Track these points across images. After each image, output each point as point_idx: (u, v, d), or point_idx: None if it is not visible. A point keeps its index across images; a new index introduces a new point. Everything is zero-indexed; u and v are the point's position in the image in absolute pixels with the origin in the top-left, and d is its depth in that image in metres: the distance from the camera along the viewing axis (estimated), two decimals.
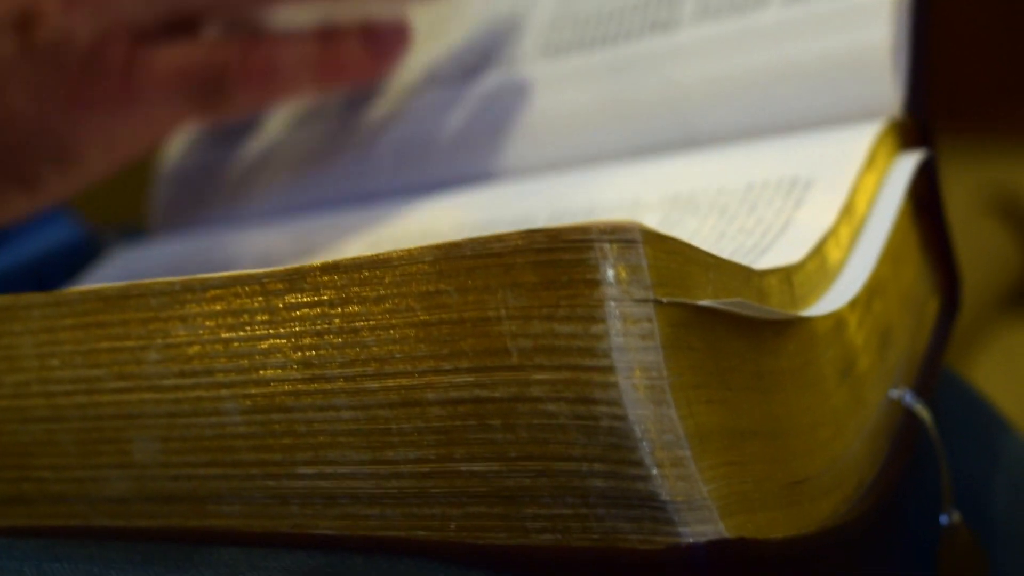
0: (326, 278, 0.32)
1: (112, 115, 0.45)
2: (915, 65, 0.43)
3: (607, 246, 0.29)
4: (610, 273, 0.29)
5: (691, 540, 0.31)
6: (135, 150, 0.47)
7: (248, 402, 0.34)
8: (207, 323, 0.34)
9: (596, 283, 0.30)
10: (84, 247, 0.58)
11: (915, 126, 0.43)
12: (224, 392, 0.34)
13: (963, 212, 1.23)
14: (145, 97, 0.46)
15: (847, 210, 0.38)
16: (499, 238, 0.30)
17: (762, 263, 0.36)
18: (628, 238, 0.29)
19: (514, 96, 0.50)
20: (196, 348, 0.34)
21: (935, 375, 0.40)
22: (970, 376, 1.28)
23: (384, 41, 0.48)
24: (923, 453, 0.38)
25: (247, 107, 0.48)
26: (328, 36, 0.48)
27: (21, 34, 0.44)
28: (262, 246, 0.50)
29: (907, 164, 0.41)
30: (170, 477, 0.36)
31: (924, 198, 0.42)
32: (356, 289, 0.32)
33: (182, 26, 0.47)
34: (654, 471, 0.30)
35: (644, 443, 0.30)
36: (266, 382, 0.33)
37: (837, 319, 0.36)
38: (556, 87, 0.50)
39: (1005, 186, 1.38)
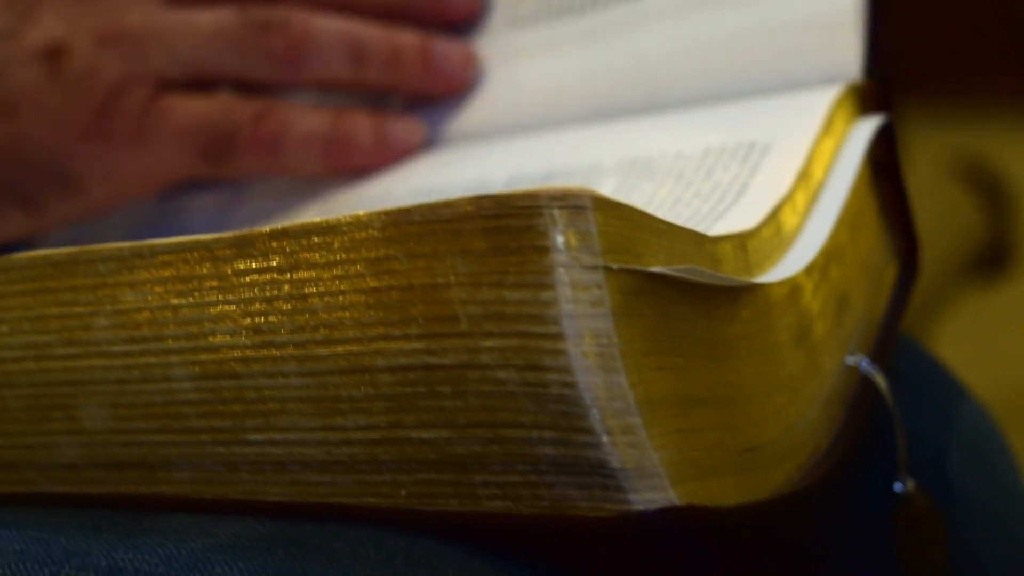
0: (275, 244, 0.32)
1: (122, 153, 0.46)
2: (874, 30, 0.43)
3: (556, 212, 0.29)
4: (559, 239, 0.29)
5: (641, 507, 0.30)
6: (137, 191, 0.48)
7: (198, 368, 0.33)
8: (156, 289, 0.33)
9: (545, 249, 0.29)
10: None
11: (875, 91, 0.42)
12: (174, 358, 0.34)
13: (930, 178, 1.23)
14: (155, 142, 0.46)
15: (804, 176, 0.38)
16: (448, 204, 0.30)
17: (718, 228, 0.36)
18: (577, 204, 0.29)
19: (482, 66, 0.50)
20: (145, 314, 0.33)
21: (893, 341, 0.40)
22: (934, 341, 1.29)
23: (395, 135, 0.49)
24: (880, 419, 0.38)
25: (251, 171, 0.48)
26: (342, 118, 0.48)
27: (49, 63, 0.45)
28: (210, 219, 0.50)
29: (865, 129, 0.41)
30: (120, 444, 0.35)
31: (884, 163, 0.42)
32: (305, 255, 0.32)
33: (202, 82, 0.48)
34: (604, 438, 0.30)
35: (594, 410, 0.30)
36: (216, 348, 0.33)
37: (792, 285, 0.36)
38: (523, 57, 0.50)
39: (972, 152, 1.38)
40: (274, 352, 0.32)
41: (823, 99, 0.41)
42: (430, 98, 0.50)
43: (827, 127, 0.40)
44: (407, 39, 0.49)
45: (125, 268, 0.34)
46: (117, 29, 0.46)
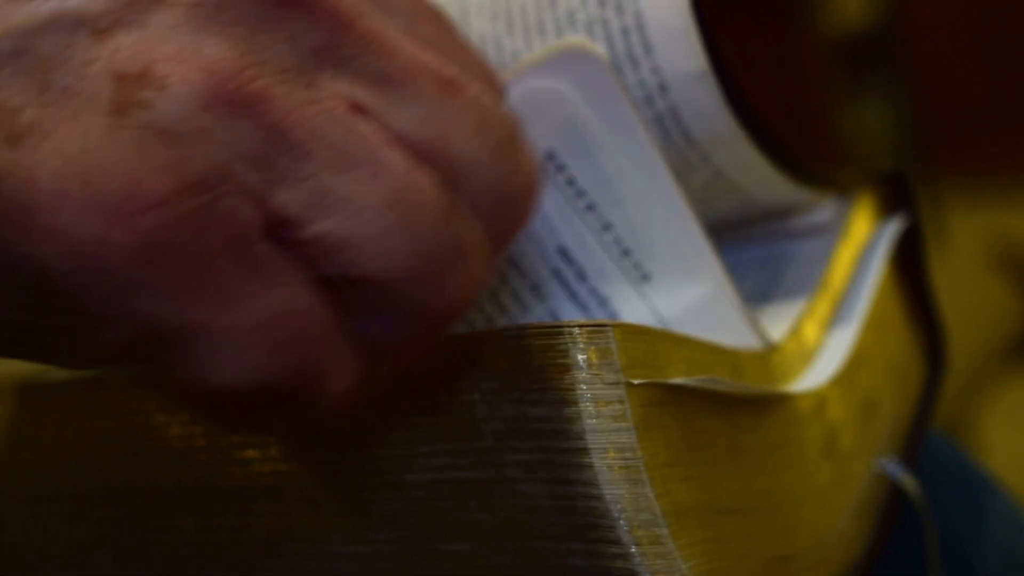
0: None
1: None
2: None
3: (577, 331, 0.29)
4: (581, 358, 0.29)
5: None
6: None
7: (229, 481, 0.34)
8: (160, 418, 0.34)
9: (567, 367, 0.29)
10: None
11: (895, 188, 0.42)
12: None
13: (968, 264, 1.23)
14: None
15: (824, 286, 0.38)
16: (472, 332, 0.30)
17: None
18: (598, 324, 0.29)
19: None
20: (176, 429, 0.34)
21: (923, 437, 0.40)
22: (975, 430, 1.27)
23: None
24: (912, 518, 0.38)
25: None
26: None
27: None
28: None
29: (887, 234, 0.40)
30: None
31: (907, 260, 0.41)
32: None
33: None
34: (632, 549, 0.30)
35: (621, 522, 0.30)
36: (247, 462, 0.33)
37: (818, 398, 0.35)
38: None
39: (1011, 235, 1.37)
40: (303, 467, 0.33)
41: (837, 209, 0.40)
42: None
43: (845, 235, 0.39)
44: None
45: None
46: None
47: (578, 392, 0.29)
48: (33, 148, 0.25)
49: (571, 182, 0.34)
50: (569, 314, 0.34)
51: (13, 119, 0.25)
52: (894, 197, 0.42)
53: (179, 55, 0.26)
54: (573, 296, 0.35)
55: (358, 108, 0.27)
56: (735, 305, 0.34)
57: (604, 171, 0.33)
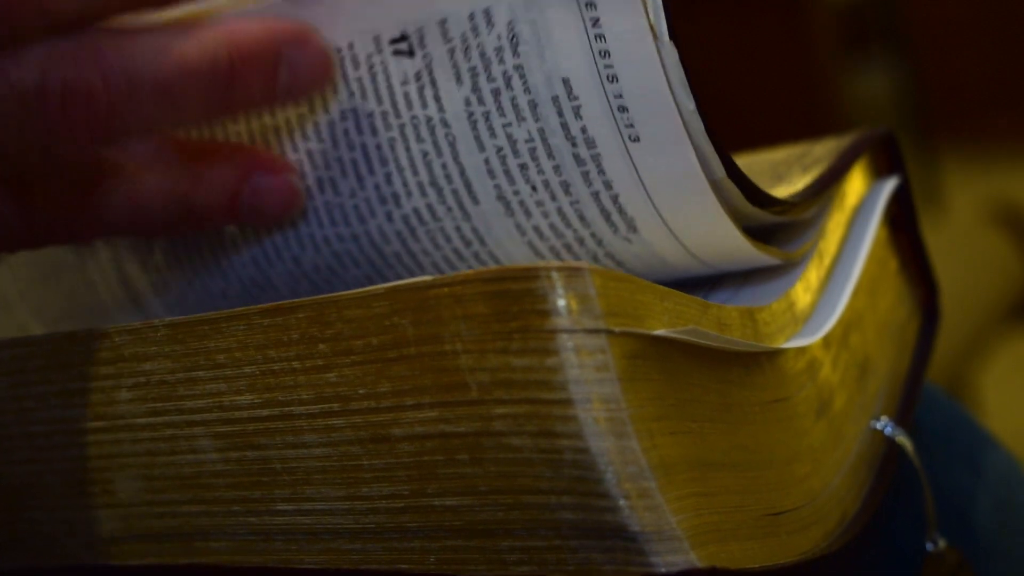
0: (280, 318, 0.32)
1: None
2: None
3: (555, 275, 0.28)
4: (560, 303, 0.28)
5: (664, 570, 0.30)
6: None
7: (221, 440, 0.33)
8: (172, 361, 0.33)
9: (546, 313, 0.28)
10: None
11: (884, 149, 0.41)
12: (197, 430, 0.33)
13: (967, 223, 1.22)
14: None
15: (817, 255, 0.37)
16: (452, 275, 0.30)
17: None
18: (575, 267, 0.28)
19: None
20: (165, 387, 0.33)
21: (918, 394, 0.39)
22: (976, 387, 1.26)
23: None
24: (908, 476, 0.37)
25: None
26: None
27: None
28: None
29: (878, 197, 0.39)
30: (156, 515, 0.35)
31: (899, 218, 0.41)
32: (314, 329, 0.31)
33: None
34: (621, 502, 0.29)
35: (608, 475, 0.29)
36: (236, 420, 0.33)
37: (809, 359, 0.35)
38: None
39: (1008, 195, 1.37)
40: (293, 423, 0.32)
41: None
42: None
43: (838, 202, 0.39)
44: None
45: (139, 340, 0.33)
46: None
47: (559, 341, 0.29)
48: None
49: (596, 22, 0.33)
50: (561, 154, 0.34)
51: None
52: (884, 159, 0.41)
53: None
54: (565, 127, 0.34)
55: None
56: (708, 187, 0.33)
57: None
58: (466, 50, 0.35)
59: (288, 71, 0.36)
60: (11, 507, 0.36)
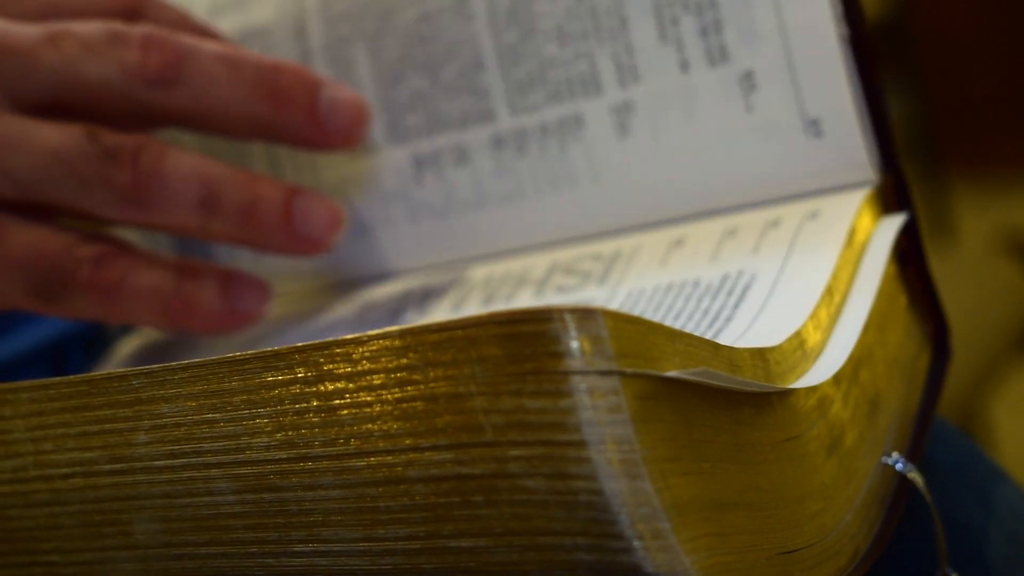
0: (299, 356, 0.32)
1: None
2: (879, 128, 0.42)
3: (567, 316, 0.29)
4: (573, 344, 0.29)
5: None
6: None
7: (238, 482, 0.33)
8: (189, 403, 0.33)
9: (559, 355, 0.29)
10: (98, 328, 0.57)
11: (892, 187, 0.41)
12: (214, 472, 0.33)
13: (978, 251, 1.22)
14: None
15: (827, 292, 0.37)
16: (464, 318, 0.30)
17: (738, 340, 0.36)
18: (587, 309, 0.29)
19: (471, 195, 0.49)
20: (182, 429, 0.33)
21: (928, 429, 0.39)
22: (987, 418, 1.26)
23: (242, 297, 0.44)
24: (919, 510, 0.37)
25: (82, 316, 0.43)
26: (187, 277, 0.44)
27: None
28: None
29: (886, 234, 0.40)
30: (173, 557, 0.35)
31: (907, 254, 0.41)
32: (329, 367, 0.31)
33: (40, 208, 0.43)
34: (635, 543, 0.29)
35: (622, 516, 0.29)
36: (253, 462, 0.33)
37: (820, 397, 0.35)
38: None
39: (1020, 225, 1.37)
40: (310, 464, 0.32)
41: (841, 214, 0.40)
42: (285, 254, 0.45)
43: (848, 239, 0.39)
44: (269, 190, 0.44)
45: (157, 383, 0.33)
46: None
47: (572, 383, 0.29)
48: None
49: None
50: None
51: None
52: (892, 195, 0.41)
53: None
54: None
55: None
56: None
57: None
58: None
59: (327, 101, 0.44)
60: (28, 550, 0.37)
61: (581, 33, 0.46)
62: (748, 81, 0.43)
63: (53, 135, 0.41)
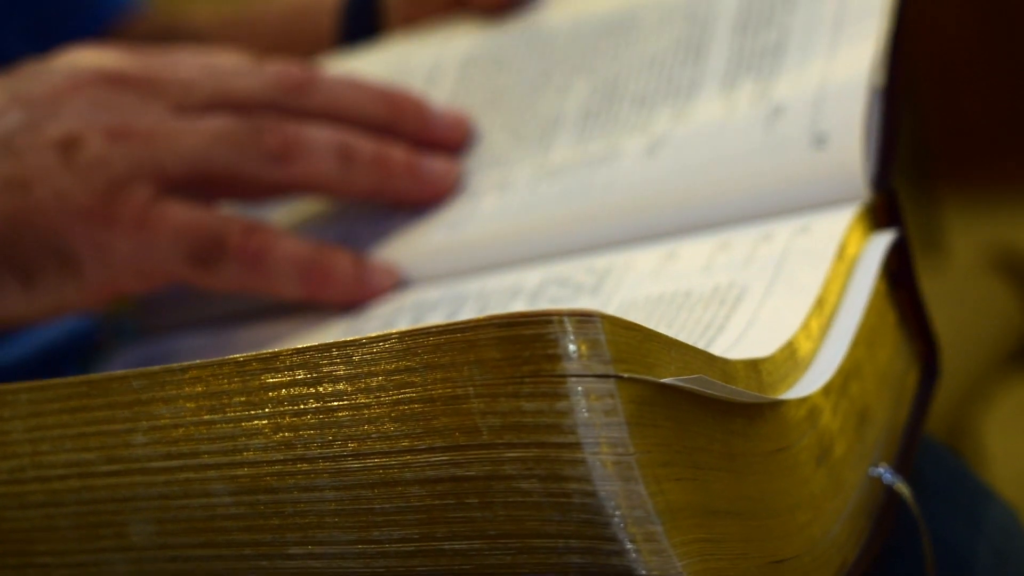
0: (298, 358, 0.32)
1: (119, 241, 0.47)
2: (885, 148, 0.42)
3: (566, 319, 0.29)
4: (571, 347, 0.29)
5: None
6: (128, 284, 0.48)
7: (235, 483, 0.33)
8: (188, 405, 0.33)
9: (557, 357, 0.29)
10: (94, 334, 0.58)
11: (884, 204, 0.42)
12: (211, 474, 0.33)
13: (967, 269, 1.23)
14: (152, 236, 0.47)
15: (818, 303, 0.38)
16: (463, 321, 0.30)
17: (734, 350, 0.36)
18: (586, 313, 0.29)
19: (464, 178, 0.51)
20: (180, 430, 0.33)
21: (916, 444, 0.40)
22: (976, 434, 1.26)
23: (372, 277, 0.49)
24: (906, 525, 0.38)
25: (233, 284, 0.49)
26: (323, 250, 0.49)
27: (64, 151, 0.47)
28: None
29: (877, 250, 0.40)
30: (168, 559, 0.35)
31: (898, 272, 0.41)
32: (328, 369, 0.32)
33: (203, 180, 0.49)
34: (628, 546, 0.30)
35: (616, 519, 0.29)
36: (251, 463, 0.33)
37: (810, 407, 0.35)
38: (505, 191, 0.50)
39: (1009, 241, 1.37)
40: (306, 466, 0.32)
41: (832, 228, 0.40)
42: (415, 204, 0.51)
43: (839, 252, 0.39)
44: (393, 149, 0.50)
45: (157, 384, 0.34)
46: (128, 128, 0.48)
47: (569, 385, 0.29)
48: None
49: None
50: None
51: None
52: (884, 212, 0.42)
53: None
54: None
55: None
56: None
57: None
58: None
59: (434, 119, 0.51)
60: (22, 551, 0.37)
61: (654, 91, 0.48)
62: (777, 114, 0.44)
63: (211, 122, 0.49)
